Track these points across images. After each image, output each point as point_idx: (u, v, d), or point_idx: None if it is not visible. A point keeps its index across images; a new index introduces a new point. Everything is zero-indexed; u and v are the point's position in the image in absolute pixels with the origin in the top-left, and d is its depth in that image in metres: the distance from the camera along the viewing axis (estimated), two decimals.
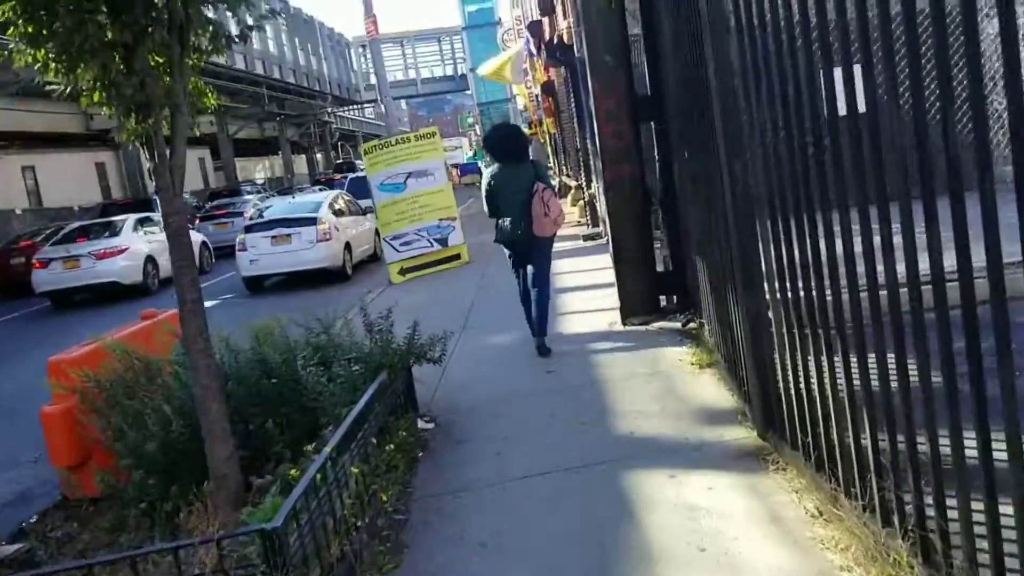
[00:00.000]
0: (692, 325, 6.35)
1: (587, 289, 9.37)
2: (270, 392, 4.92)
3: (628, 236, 6.91)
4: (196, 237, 19.57)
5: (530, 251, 6.85)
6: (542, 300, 6.89)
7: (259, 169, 52.72)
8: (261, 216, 15.57)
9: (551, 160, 27.92)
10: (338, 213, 15.71)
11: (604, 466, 4.24)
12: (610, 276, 9.51)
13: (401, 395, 5.50)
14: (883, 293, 2.67)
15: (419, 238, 13.60)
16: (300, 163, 60.92)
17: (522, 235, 6.71)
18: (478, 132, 65.44)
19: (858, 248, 2.79)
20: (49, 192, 27.62)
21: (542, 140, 31.95)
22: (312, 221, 14.68)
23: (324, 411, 4.84)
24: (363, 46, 66.29)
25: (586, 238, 13.25)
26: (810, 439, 3.40)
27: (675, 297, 6.95)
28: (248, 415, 4.87)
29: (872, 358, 2.78)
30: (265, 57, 40.40)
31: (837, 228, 2.90)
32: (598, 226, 13.71)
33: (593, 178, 13.20)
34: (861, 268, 2.79)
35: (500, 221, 6.86)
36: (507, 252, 7.14)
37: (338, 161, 56.72)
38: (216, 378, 4.39)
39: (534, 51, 23.25)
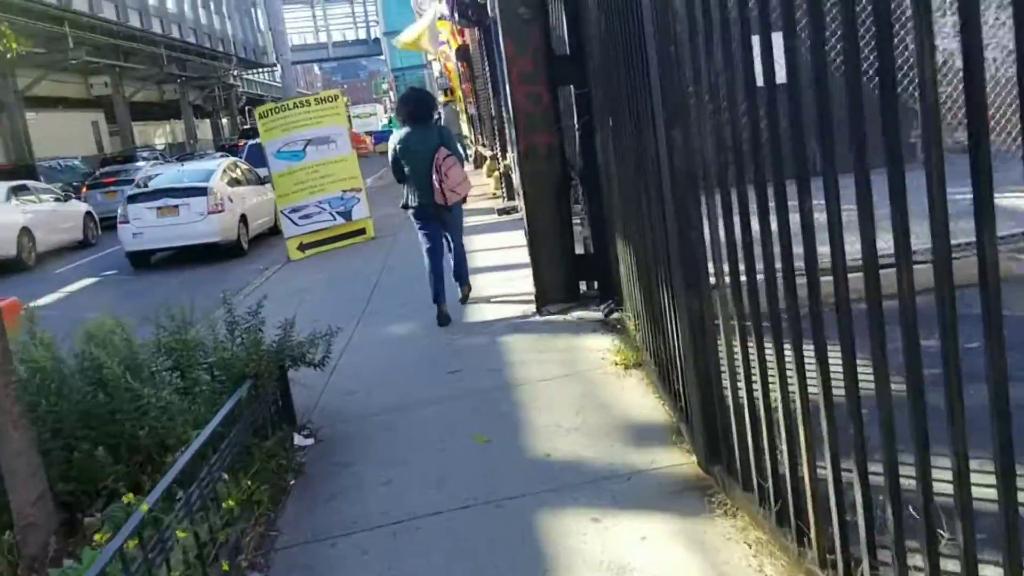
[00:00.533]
0: (615, 316, 5.61)
1: (500, 270, 8.56)
2: (102, 410, 3.97)
3: (544, 213, 6.12)
4: (80, 207, 18.00)
5: (437, 216, 6.73)
6: (460, 260, 7.18)
7: (159, 134, 49.94)
8: (146, 185, 14.20)
9: (467, 129, 26.94)
10: (233, 182, 14.48)
11: (515, 502, 3.46)
12: (525, 256, 8.80)
13: (274, 404, 4.61)
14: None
15: (320, 211, 12.54)
16: (205, 128, 58.07)
17: (427, 201, 6.62)
18: (392, 98, 63.66)
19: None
20: None
21: (456, 108, 30.91)
22: (202, 191, 13.44)
23: (170, 431, 3.93)
24: None
25: (501, 212, 12.43)
26: (769, 484, 2.67)
27: (596, 283, 6.20)
28: (74, 439, 3.91)
29: (868, 373, 2.06)
30: (163, 15, 37.86)
31: (819, 202, 2.15)
32: (514, 199, 12.90)
33: (508, 148, 12.36)
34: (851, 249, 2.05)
35: (407, 188, 6.77)
36: (413, 217, 6.94)
37: (244, 127, 54.23)
38: (14, 400, 3.41)
39: (447, 13, 22.17)
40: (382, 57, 67.69)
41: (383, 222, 14.32)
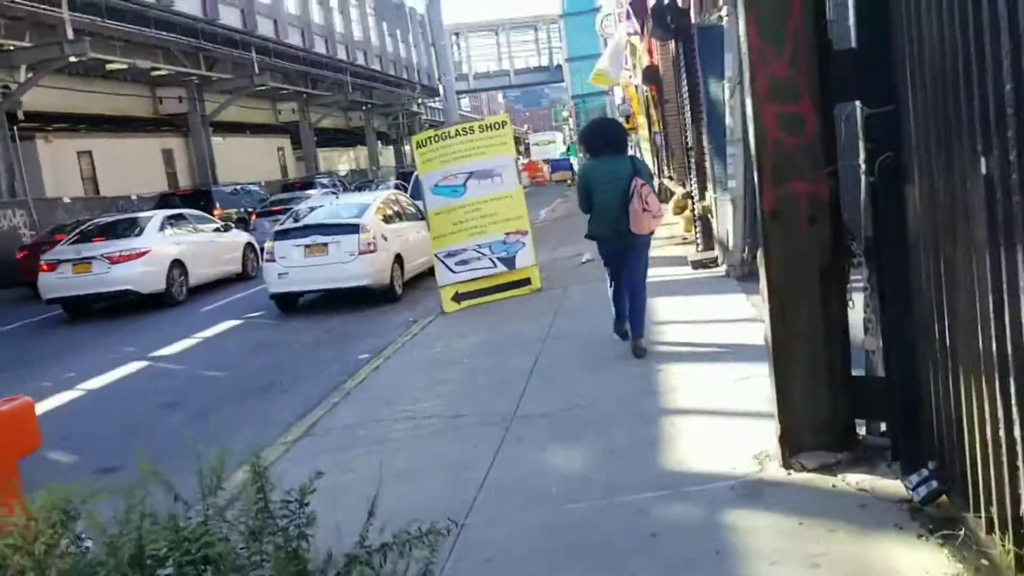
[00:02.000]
0: (936, 499, 3.18)
1: (705, 361, 6.23)
2: None
3: (801, 309, 3.78)
4: (240, 238, 17.18)
5: (625, 249, 6.63)
6: (639, 300, 6.73)
7: (343, 160, 50.95)
8: (297, 220, 12.89)
9: (650, 159, 24.66)
10: (389, 218, 12.93)
11: None
12: (743, 333, 6.43)
13: None
14: None
15: (479, 256, 10.66)
16: (388, 155, 59.05)
17: (618, 231, 6.47)
18: (572, 126, 62.25)
19: None
20: (107, 180, 25.90)
21: (638, 134, 28.72)
22: (354, 228, 11.93)
23: None
24: (455, 34, 63.99)
25: (696, 265, 10.05)
26: None
27: (890, 426, 3.78)
28: None
29: None
30: (348, 42, 38.20)
31: None
32: (712, 248, 10.49)
33: (710, 186, 10.01)
34: None
35: (593, 217, 6.65)
36: (599, 250, 6.88)
37: None
38: None
39: (637, 28, 20.09)
40: (563, 84, 66.59)
41: (552, 269, 12.30)
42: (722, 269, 9.52)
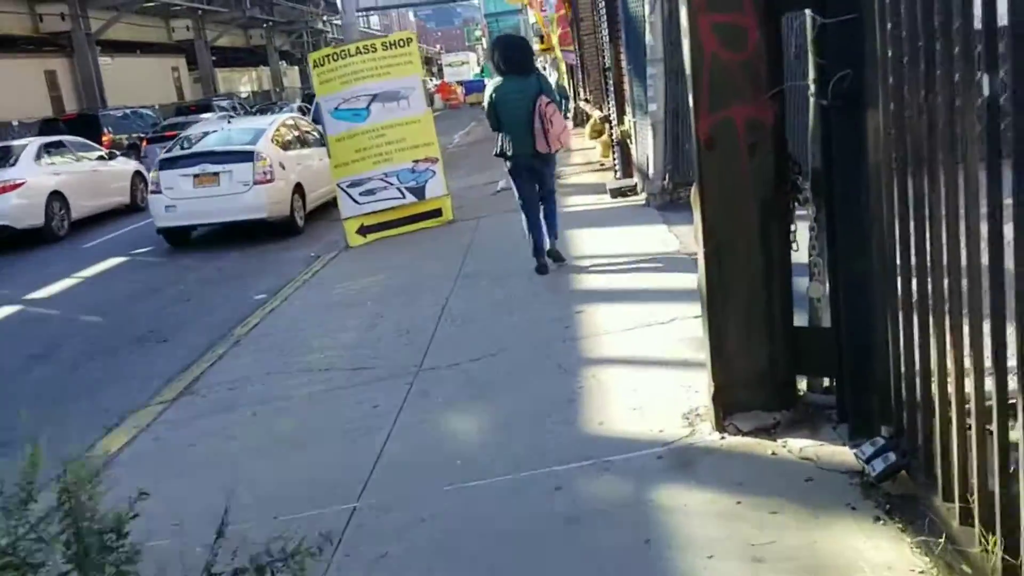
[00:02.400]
0: (893, 475, 2.77)
1: (627, 300, 5.77)
2: None
3: (738, 248, 3.30)
4: (128, 167, 15.91)
5: (535, 166, 6.75)
6: (552, 211, 6.95)
7: (244, 81, 48.41)
8: (184, 147, 11.82)
9: (566, 81, 23.95)
10: (289, 144, 12.01)
11: None
12: (667, 269, 6.00)
13: None
14: None
15: (386, 185, 9.93)
16: (293, 75, 56.45)
17: (525, 150, 6.60)
18: (485, 46, 60.58)
19: None
20: None
21: (554, 56, 27.90)
22: (248, 156, 11.00)
23: None
24: None
25: (615, 193, 9.57)
26: None
27: (835, 381, 3.38)
28: None
29: None
30: None
31: None
32: (631, 176, 10.02)
33: (629, 110, 9.46)
34: None
35: (502, 136, 6.73)
36: (508, 166, 6.93)
37: None
38: None
39: None
40: (475, 2, 64.53)
41: (465, 197, 11.66)
42: (642, 197, 9.06)
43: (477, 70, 67.05)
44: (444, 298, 6.66)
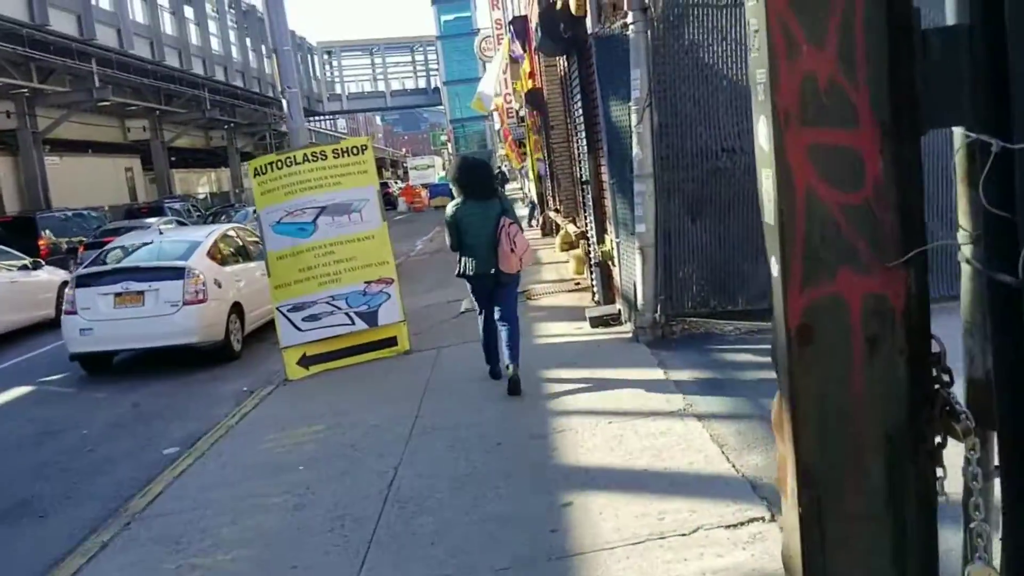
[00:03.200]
0: None
1: (631, 490, 4.44)
2: None
3: (852, 506, 2.04)
4: (54, 278, 14.48)
5: (496, 286, 6.71)
6: (513, 333, 6.69)
7: (203, 182, 47.48)
8: (105, 260, 10.48)
9: (532, 188, 23.26)
10: (228, 259, 10.74)
11: None
12: (677, 443, 4.71)
13: None
14: None
15: (333, 310, 8.64)
16: None
17: (487, 271, 6.61)
18: (450, 150, 60.65)
19: None
20: None
21: (518, 166, 27.36)
22: (178, 273, 9.69)
23: None
24: (328, 52, 61.45)
25: (597, 322, 8.36)
26: None
27: None
28: None
29: None
30: (206, 56, 35.20)
31: None
32: (613, 301, 8.85)
33: (611, 228, 8.36)
34: None
35: (464, 257, 6.75)
36: (470, 287, 6.96)
37: None
38: None
39: (518, 51, 18.62)
40: (441, 108, 65.02)
41: (424, 319, 10.40)
42: (627, 329, 7.87)
43: (442, 173, 67.05)
44: (392, 467, 5.30)
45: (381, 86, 62.53)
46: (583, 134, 9.14)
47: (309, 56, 56.48)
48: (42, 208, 24.93)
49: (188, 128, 37.99)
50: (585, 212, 9.98)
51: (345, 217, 8.75)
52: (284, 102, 9.21)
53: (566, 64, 10.31)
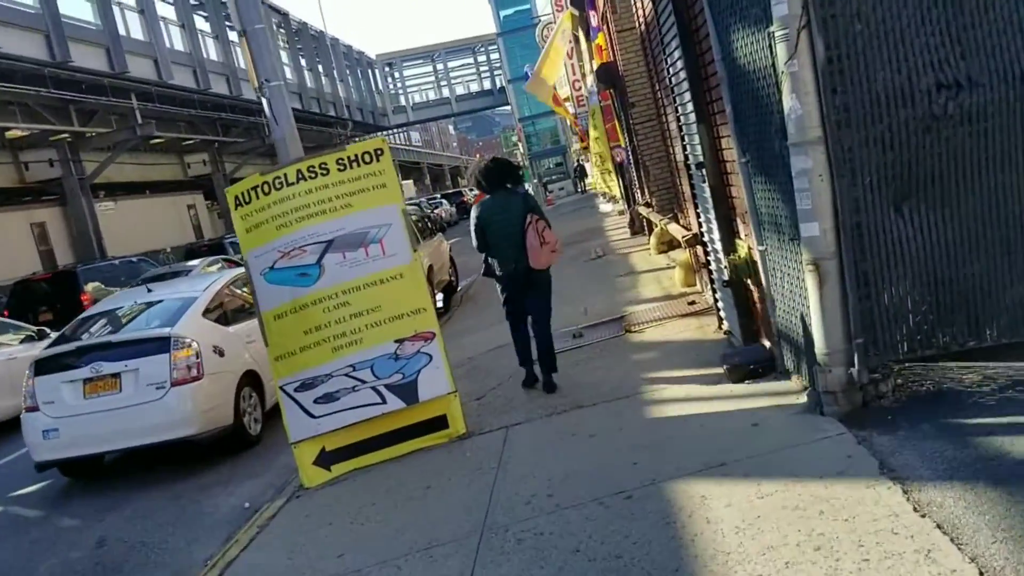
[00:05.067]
0: None
1: None
2: None
3: None
4: None
5: (527, 286, 6.61)
6: (546, 341, 6.66)
7: None
8: (68, 338, 8.11)
9: (614, 180, 20.44)
10: (233, 315, 8.31)
11: None
12: None
13: None
14: None
15: (355, 384, 6.08)
16: None
17: (517, 269, 6.53)
18: (523, 151, 58.03)
19: None
20: None
21: (594, 152, 24.63)
22: (161, 344, 7.31)
23: None
24: (388, 64, 59.70)
25: (737, 372, 5.51)
26: None
27: None
28: None
29: None
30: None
31: None
32: (758, 336, 5.98)
33: (746, 228, 5.49)
34: None
35: (491, 257, 6.67)
36: (499, 288, 6.85)
37: None
38: None
39: (595, 21, 15.92)
40: (509, 108, 62.50)
41: (490, 372, 7.77)
42: (795, 386, 5.04)
43: None
44: None
45: (445, 92, 60.34)
46: (686, 96, 6.32)
47: (370, 70, 54.74)
48: (96, 257, 23.42)
49: (249, 157, 36.41)
50: (696, 207, 7.15)
51: (361, 251, 6.19)
52: (264, 102, 6.71)
53: (651, 4, 7.48)
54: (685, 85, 6.33)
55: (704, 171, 6.10)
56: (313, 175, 6.31)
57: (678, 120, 7.13)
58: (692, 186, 7.10)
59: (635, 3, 9.52)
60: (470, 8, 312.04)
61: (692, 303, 8.35)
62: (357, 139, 55.08)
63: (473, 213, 6.75)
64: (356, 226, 6.22)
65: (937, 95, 4.29)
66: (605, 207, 28.54)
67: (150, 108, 25.15)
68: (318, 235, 6.21)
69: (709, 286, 7.48)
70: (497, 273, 6.69)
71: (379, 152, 6.44)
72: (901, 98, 4.31)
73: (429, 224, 18.31)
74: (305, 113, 39.67)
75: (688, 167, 7.03)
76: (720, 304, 6.89)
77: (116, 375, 7.25)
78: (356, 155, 6.40)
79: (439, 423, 6.12)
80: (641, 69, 11.84)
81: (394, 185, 6.40)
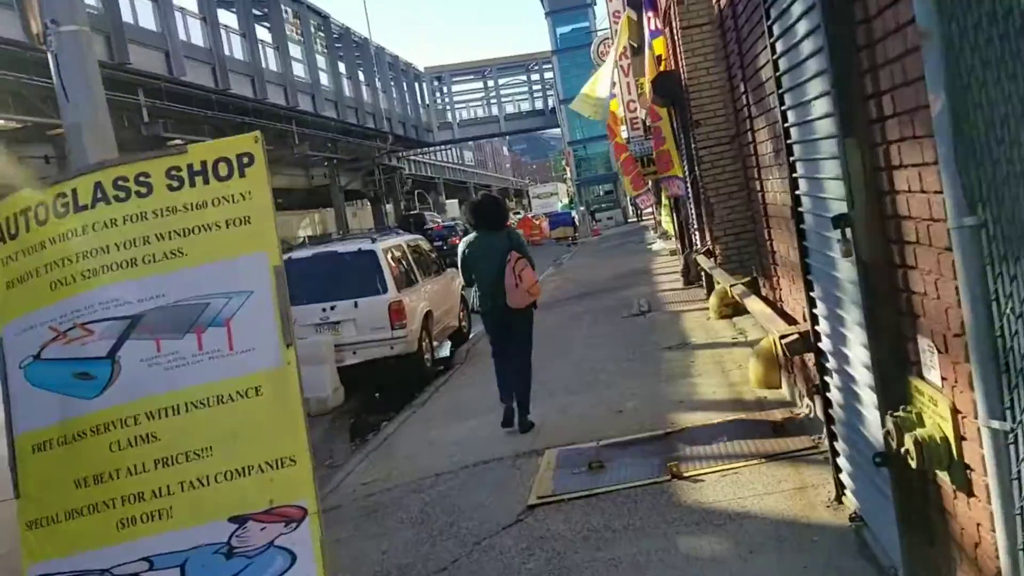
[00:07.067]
0: None
1: None
2: None
3: None
4: None
5: (508, 322, 6.81)
6: (525, 378, 6.83)
7: (304, 224, 43.95)
8: None
9: (669, 218, 17.48)
10: None
11: None
12: None
13: None
14: None
15: None
16: (365, 214, 52.03)
17: (496, 305, 6.71)
18: (571, 176, 55.03)
19: None
20: None
21: (634, 193, 21.73)
22: None
23: None
24: (437, 78, 57.42)
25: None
26: None
27: None
28: None
29: None
30: (287, 84, 30.90)
31: None
32: (930, 543, 2.96)
33: (953, 372, 2.55)
34: None
35: (475, 292, 6.95)
36: (483, 323, 7.23)
37: (406, 214, 47.44)
38: None
39: (655, 24, 13.11)
40: (559, 130, 59.74)
41: (443, 533, 4.76)
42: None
43: (565, 200, 61.68)
44: None
45: (495, 110, 57.72)
46: (810, 90, 3.38)
47: (416, 83, 52.36)
48: None
49: (278, 167, 34.07)
50: (811, 287, 4.13)
51: (190, 340, 3.33)
52: (50, 57, 3.89)
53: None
54: (812, 69, 3.36)
55: (847, 231, 3.11)
56: (123, 195, 3.48)
57: (783, 137, 4.16)
58: (804, 250, 4.08)
59: None
60: (526, 26, 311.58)
61: (779, 426, 5.32)
62: (402, 154, 52.65)
63: (459, 248, 7.07)
64: (187, 291, 3.37)
65: None
66: (658, 244, 25.49)
67: (159, 106, 22.84)
68: (118, 302, 3.38)
69: (806, 393, 4.47)
70: (478, 310, 7.01)
71: (246, 160, 3.60)
72: None
73: (442, 257, 15.54)
74: (340, 123, 37.30)
75: (799, 217, 4.04)
76: (840, 450, 3.87)
77: None
78: (204, 163, 3.56)
79: None
80: (711, 77, 8.94)
81: (266, 219, 3.54)
